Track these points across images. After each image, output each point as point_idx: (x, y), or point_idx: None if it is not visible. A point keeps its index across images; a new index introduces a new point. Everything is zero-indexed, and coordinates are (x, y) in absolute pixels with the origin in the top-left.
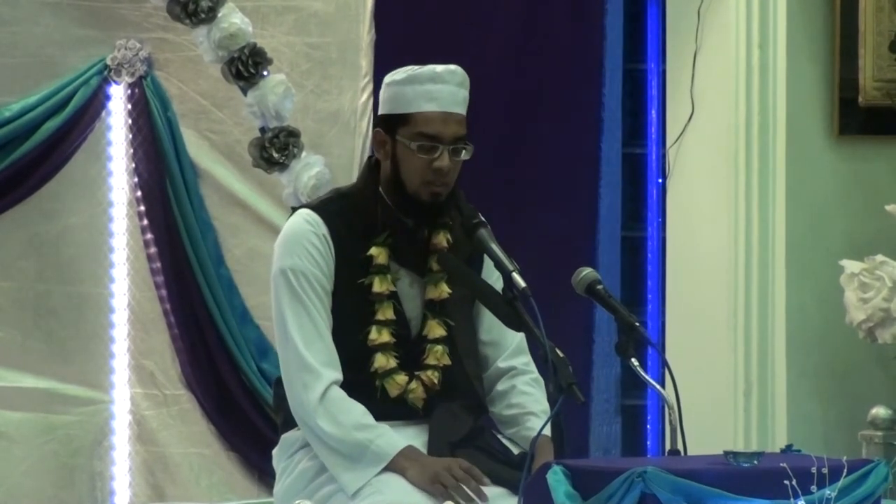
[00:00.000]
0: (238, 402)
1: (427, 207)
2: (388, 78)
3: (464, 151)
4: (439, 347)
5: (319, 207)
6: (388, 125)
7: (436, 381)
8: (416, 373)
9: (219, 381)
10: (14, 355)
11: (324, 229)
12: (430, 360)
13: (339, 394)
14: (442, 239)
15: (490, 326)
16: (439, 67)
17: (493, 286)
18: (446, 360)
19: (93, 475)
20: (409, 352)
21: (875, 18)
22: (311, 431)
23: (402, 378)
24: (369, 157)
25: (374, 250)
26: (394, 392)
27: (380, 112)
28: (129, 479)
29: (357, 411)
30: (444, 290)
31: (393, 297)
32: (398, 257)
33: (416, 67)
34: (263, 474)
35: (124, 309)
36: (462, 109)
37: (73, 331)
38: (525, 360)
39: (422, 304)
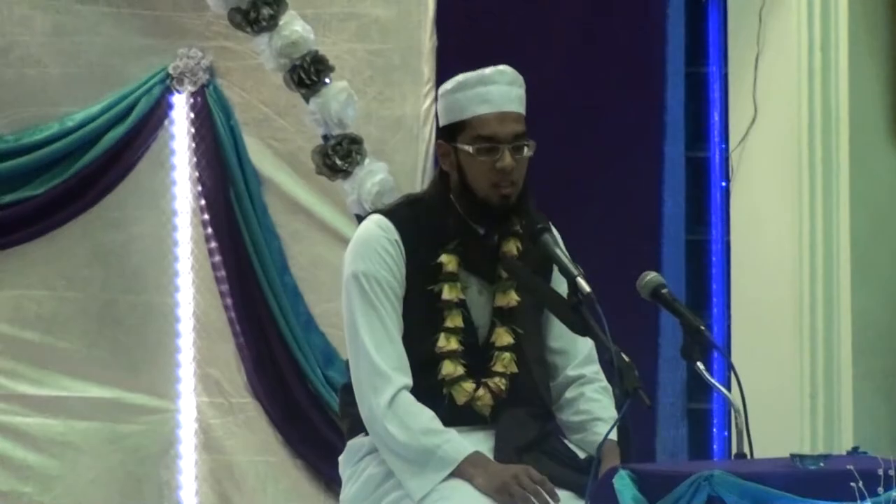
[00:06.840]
0: (304, 409)
1: (499, 211)
2: (440, 90)
3: (525, 148)
4: (507, 355)
5: (391, 213)
6: (448, 135)
7: (503, 388)
8: (484, 380)
9: (284, 389)
10: (80, 365)
11: (395, 234)
12: (498, 368)
13: (408, 398)
14: (512, 247)
15: (559, 334)
16: (487, 69)
17: (561, 294)
18: (514, 368)
19: (160, 484)
20: (477, 359)
21: None
22: (379, 436)
23: (469, 385)
24: (439, 168)
25: (444, 257)
26: (461, 399)
27: (440, 124)
28: (196, 487)
29: (425, 416)
30: (513, 297)
31: (462, 304)
32: (468, 265)
33: (464, 74)
34: (330, 482)
35: (189, 318)
36: (517, 107)
37: (138, 340)
38: (595, 370)
39: (490, 311)
